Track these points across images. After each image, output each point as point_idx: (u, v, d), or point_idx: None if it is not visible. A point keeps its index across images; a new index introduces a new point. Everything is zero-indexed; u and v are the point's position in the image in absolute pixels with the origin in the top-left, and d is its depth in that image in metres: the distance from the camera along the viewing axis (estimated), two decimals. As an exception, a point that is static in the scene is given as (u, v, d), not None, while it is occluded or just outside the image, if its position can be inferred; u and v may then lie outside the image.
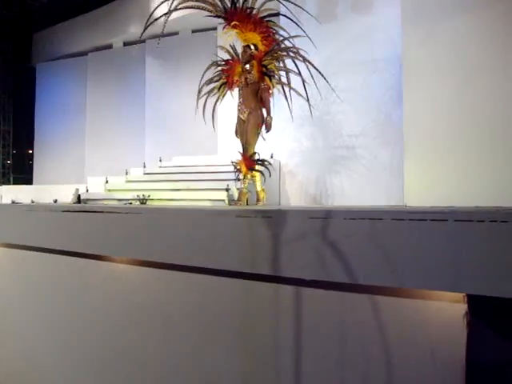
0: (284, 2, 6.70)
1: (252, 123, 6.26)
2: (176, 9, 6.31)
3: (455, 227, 0.93)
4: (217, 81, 6.77)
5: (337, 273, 1.06)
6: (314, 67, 6.40)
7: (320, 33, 6.37)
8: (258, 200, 6.51)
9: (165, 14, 6.19)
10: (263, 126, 6.36)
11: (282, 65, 6.57)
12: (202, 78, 6.81)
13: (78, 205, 1.88)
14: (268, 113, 6.32)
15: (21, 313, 1.99)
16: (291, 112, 6.59)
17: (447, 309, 0.98)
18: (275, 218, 1.13)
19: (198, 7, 6.34)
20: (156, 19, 6.33)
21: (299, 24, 6.34)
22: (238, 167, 6.35)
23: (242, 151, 6.39)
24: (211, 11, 6.35)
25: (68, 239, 1.72)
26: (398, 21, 6.83)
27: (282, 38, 6.54)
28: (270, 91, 6.37)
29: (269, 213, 1.14)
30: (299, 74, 6.36)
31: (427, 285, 0.97)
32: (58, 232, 1.78)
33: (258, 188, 6.50)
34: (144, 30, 6.10)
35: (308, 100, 6.48)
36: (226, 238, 1.23)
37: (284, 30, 6.70)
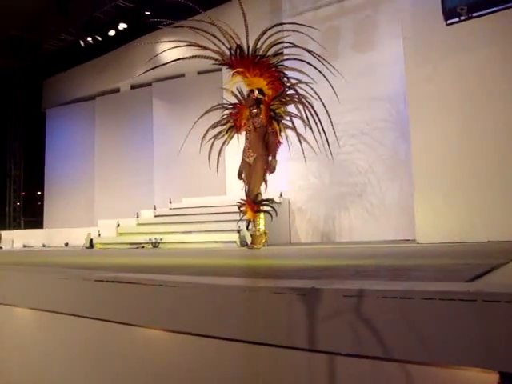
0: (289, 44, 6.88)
1: (258, 168, 6.24)
2: (183, 58, 6.53)
3: (484, 307, 0.98)
4: (224, 124, 6.83)
5: (371, 348, 1.11)
6: (317, 114, 6.51)
7: (324, 71, 6.49)
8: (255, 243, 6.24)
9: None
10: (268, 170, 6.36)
11: (289, 109, 6.67)
12: (201, 117, 6.84)
13: (110, 275, 1.91)
14: (273, 156, 6.32)
15: (48, 376, 2.02)
16: (304, 154, 6.67)
17: (479, 378, 1.02)
18: (309, 296, 1.18)
19: (204, 57, 6.50)
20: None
21: (304, 60, 6.50)
22: (244, 210, 6.30)
23: (246, 194, 6.34)
24: (217, 59, 6.51)
25: (99, 307, 1.77)
26: (400, 57, 6.99)
27: (288, 84, 6.62)
28: (280, 135, 6.39)
29: (303, 290, 1.19)
30: (303, 120, 6.45)
31: (458, 361, 1.02)
32: (88, 300, 1.83)
33: (261, 230, 6.31)
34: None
35: (328, 141, 6.55)
36: (261, 313, 1.28)
37: (294, 68, 6.82)
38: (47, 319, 2.00)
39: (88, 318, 1.79)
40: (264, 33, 6.26)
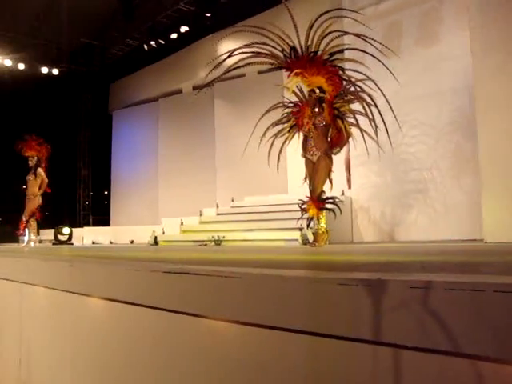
0: (350, 39, 6.78)
1: (323, 165, 6.18)
2: (236, 67, 6.60)
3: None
4: (285, 122, 6.81)
5: (439, 341, 1.08)
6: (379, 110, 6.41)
7: (386, 67, 6.34)
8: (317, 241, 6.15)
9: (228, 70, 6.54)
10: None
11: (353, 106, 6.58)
12: (264, 115, 6.85)
13: (178, 267, 2.00)
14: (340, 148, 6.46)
15: (121, 366, 2.11)
16: (368, 152, 6.58)
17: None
18: (375, 287, 1.17)
19: (259, 62, 6.51)
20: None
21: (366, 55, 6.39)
22: (307, 207, 6.23)
23: (310, 192, 6.30)
24: (273, 63, 6.50)
25: (166, 298, 1.83)
26: (465, 50, 6.72)
27: (346, 78, 6.51)
28: (345, 133, 6.29)
29: (369, 282, 1.19)
30: (367, 116, 6.34)
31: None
32: (157, 291, 1.89)
33: (323, 228, 6.16)
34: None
35: (390, 138, 6.48)
36: (326, 304, 1.28)
37: (351, 59, 6.73)
38: (118, 309, 2.08)
39: (156, 308, 1.85)
40: (311, 27, 6.18)
